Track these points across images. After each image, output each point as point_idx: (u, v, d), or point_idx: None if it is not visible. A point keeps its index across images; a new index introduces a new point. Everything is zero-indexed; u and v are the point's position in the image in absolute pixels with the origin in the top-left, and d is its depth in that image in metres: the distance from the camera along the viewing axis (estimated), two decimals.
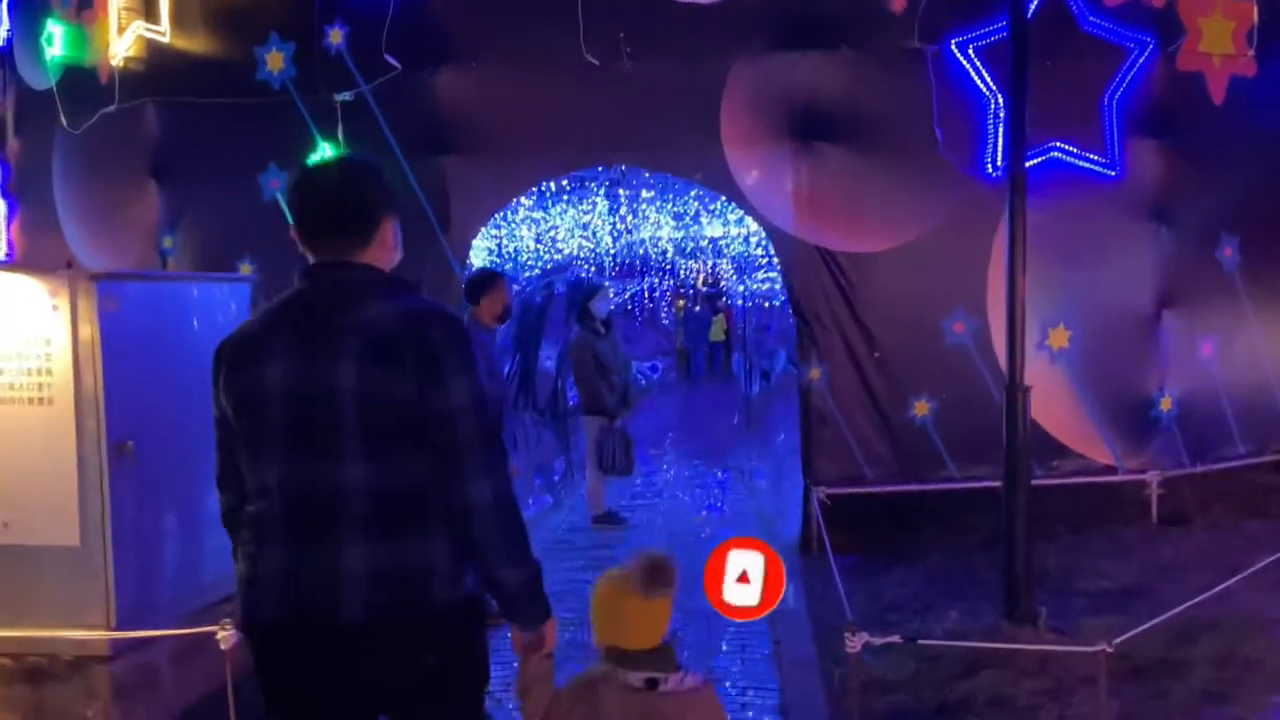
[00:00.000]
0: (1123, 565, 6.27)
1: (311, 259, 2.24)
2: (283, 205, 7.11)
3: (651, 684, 2.28)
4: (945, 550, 6.63)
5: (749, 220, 8.57)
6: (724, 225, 9.03)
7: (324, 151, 6.93)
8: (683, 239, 9.81)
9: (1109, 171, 6.97)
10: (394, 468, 2.09)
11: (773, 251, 7.39)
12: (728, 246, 10.09)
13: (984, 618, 5.18)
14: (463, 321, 2.43)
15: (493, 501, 2.13)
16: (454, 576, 2.15)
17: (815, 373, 6.81)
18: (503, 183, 6.84)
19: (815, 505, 6.74)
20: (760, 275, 9.42)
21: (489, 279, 5.83)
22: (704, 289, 20.99)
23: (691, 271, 19.84)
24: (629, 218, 8.64)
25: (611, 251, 9.56)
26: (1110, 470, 7.19)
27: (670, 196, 7.81)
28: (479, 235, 7.48)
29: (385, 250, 2.30)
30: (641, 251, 9.98)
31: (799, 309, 6.81)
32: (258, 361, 2.15)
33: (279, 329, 2.18)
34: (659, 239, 9.56)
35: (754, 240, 8.85)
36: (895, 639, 3.81)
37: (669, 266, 11.72)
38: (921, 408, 6.92)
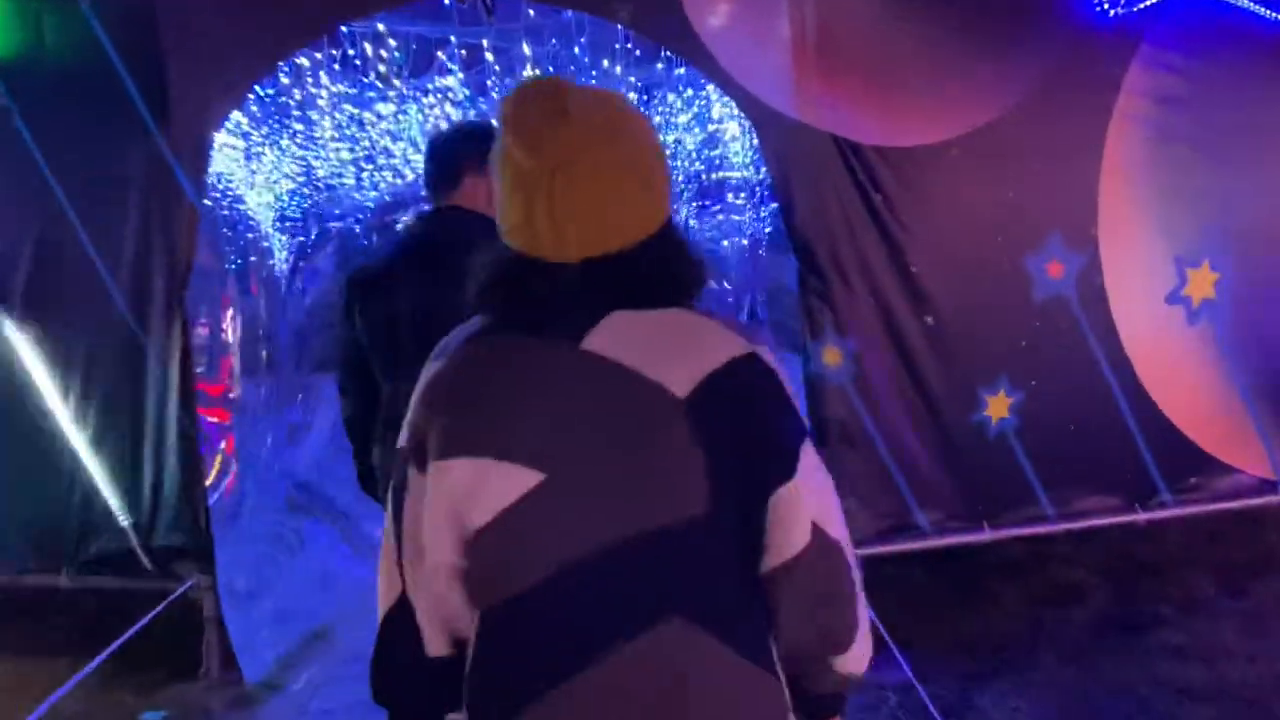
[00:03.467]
0: None
1: (429, 204, 2.68)
2: None
3: None
4: (1053, 640, 3.99)
5: (685, 114, 5.68)
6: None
7: None
8: None
9: (1277, 14, 4.34)
10: None
11: (738, 163, 4.54)
12: None
13: None
14: None
15: None
16: None
17: (832, 355, 4.01)
18: (262, 31, 3.74)
19: None
20: (694, 206, 6.54)
21: None
22: None
23: None
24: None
25: None
26: (1268, 487, 4.63)
27: (572, 64, 4.81)
28: (225, 128, 4.42)
29: (478, 201, 2.54)
30: None
31: (804, 247, 3.98)
32: (390, 293, 2.51)
33: (406, 267, 2.53)
34: None
35: (692, 149, 5.96)
36: None
37: None
38: (998, 405, 4.20)
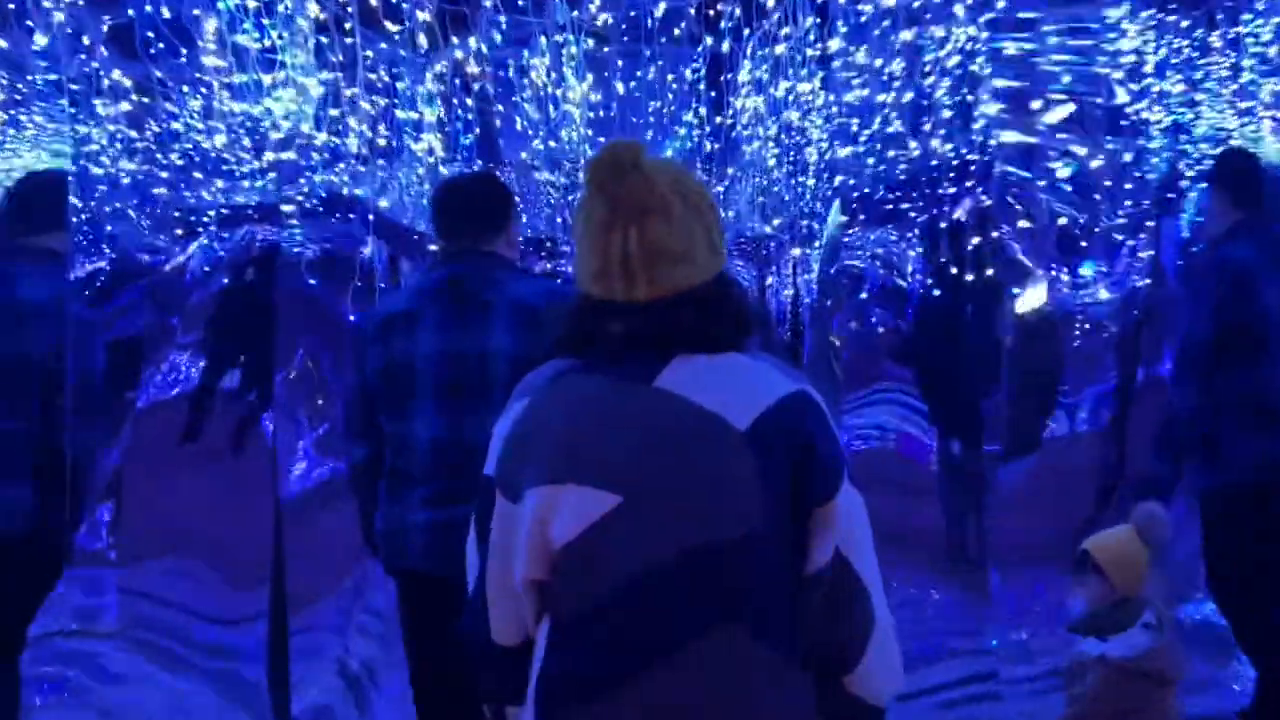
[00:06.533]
0: None
1: (451, 247, 2.65)
2: None
3: None
4: None
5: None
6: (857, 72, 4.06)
7: None
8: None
9: None
10: None
11: None
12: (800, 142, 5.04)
13: None
14: None
15: None
16: None
17: None
18: None
19: None
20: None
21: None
22: None
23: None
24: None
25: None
26: None
27: None
28: None
29: (512, 246, 2.71)
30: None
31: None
32: (409, 332, 2.53)
33: (430, 304, 2.54)
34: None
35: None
36: None
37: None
38: None
